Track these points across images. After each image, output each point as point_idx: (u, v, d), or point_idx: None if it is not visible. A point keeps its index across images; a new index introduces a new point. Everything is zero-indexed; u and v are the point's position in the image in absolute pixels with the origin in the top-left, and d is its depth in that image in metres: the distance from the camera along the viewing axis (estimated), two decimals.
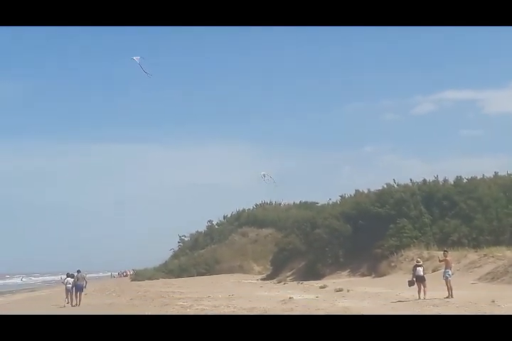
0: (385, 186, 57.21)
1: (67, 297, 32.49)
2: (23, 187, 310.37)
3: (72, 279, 33.02)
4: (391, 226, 49.78)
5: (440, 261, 28.46)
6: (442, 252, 29.07)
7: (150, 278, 73.88)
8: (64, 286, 33.43)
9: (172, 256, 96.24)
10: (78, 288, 32.82)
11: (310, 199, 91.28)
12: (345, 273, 52.90)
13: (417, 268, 27.16)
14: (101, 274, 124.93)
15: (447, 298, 25.20)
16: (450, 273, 26.90)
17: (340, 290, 32.74)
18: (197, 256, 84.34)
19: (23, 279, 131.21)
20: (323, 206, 73.27)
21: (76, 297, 32.57)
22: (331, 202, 70.06)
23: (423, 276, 26.76)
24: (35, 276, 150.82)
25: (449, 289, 25.93)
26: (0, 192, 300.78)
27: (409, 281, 27.23)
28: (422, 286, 26.31)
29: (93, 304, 31.48)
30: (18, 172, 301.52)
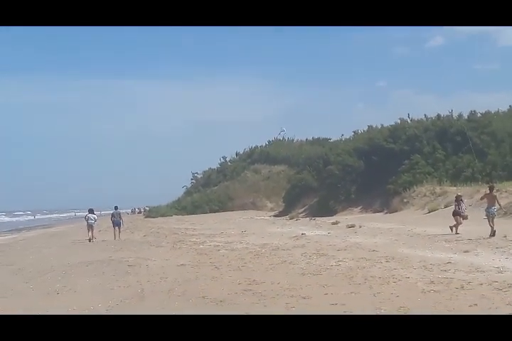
0: (399, 121, 56.79)
1: (89, 231, 33.18)
2: (35, 120, 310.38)
3: (94, 215, 33.95)
4: (404, 162, 49.61)
5: (482, 198, 26.58)
6: (488, 186, 26.80)
7: (163, 215, 74.42)
8: (86, 222, 34.31)
9: (185, 192, 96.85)
10: (116, 223, 34.17)
11: (323, 135, 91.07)
12: (357, 209, 53.11)
13: (456, 202, 26.75)
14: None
15: (491, 236, 22.77)
16: (495, 209, 24.33)
17: (352, 226, 32.87)
18: (210, 192, 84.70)
19: (36, 216, 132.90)
20: (335, 142, 73.06)
21: (115, 232, 33.76)
22: (343, 139, 69.96)
23: (457, 211, 26.18)
24: (46, 213, 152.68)
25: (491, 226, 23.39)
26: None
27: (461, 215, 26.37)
28: (456, 221, 25.73)
29: (108, 240, 31.83)
30: (33, 105, 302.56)
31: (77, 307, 12.31)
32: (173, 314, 7.48)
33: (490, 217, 23.72)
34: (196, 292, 13.53)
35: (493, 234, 22.86)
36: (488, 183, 41.06)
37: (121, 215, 36.04)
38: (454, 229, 25.38)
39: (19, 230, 65.06)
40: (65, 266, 20.38)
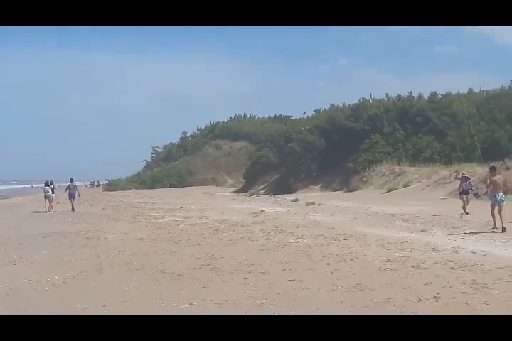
0: (361, 101, 57.03)
1: (45, 203, 34.02)
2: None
3: (49, 187, 34.08)
4: (365, 141, 49.92)
5: (488, 185, 19.80)
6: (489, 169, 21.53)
7: (123, 189, 74.01)
8: (43, 194, 34.60)
9: (145, 167, 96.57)
10: (72, 195, 35.11)
11: (286, 113, 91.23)
12: (317, 187, 53.38)
13: (461, 181, 25.37)
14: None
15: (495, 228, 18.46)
16: (502, 196, 19.05)
17: (312, 204, 33.02)
18: (170, 167, 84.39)
19: None
20: (297, 120, 73.17)
21: (72, 204, 34.52)
22: (305, 117, 70.14)
23: (464, 189, 24.74)
24: (16, 184, 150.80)
25: (498, 218, 18.61)
26: None
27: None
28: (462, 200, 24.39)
29: (66, 212, 31.59)
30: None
31: (33, 279, 12.22)
32: (172, 314, 7.46)
33: (496, 205, 18.75)
34: (154, 266, 13.49)
35: (503, 230, 18.00)
36: (446, 164, 41.73)
37: (77, 188, 36.90)
38: (465, 209, 23.75)
39: None
40: (22, 237, 20.18)
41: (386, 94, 57.35)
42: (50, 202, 34.08)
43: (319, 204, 32.40)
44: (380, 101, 56.35)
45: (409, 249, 15.18)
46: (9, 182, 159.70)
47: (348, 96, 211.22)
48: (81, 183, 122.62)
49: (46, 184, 35.23)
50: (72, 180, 36.54)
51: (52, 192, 34.71)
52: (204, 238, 18.67)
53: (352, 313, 8.56)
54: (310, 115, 68.38)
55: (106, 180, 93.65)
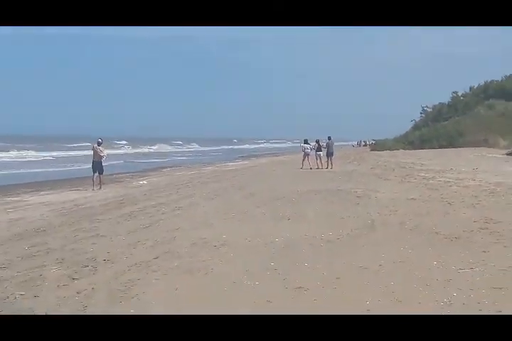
0: None
1: (304, 160, 35.51)
2: None
3: (308, 145, 35.30)
4: None
5: None
6: None
7: (390, 149, 73.45)
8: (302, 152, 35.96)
9: (413, 127, 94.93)
10: (329, 153, 36.16)
11: None
12: None
13: None
14: (340, 143, 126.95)
15: None
16: None
17: None
18: (439, 127, 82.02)
19: (263, 145, 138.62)
20: None
21: (328, 162, 35.76)
22: None
23: None
24: (275, 142, 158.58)
25: None
26: None
27: None
28: None
29: (334, 171, 32.05)
30: None
31: (308, 234, 12.41)
32: (171, 314, 7.14)
33: None
34: (429, 227, 13.03)
35: None
36: None
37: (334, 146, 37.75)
38: None
39: (248, 157, 68.14)
40: (294, 193, 20.74)
41: None
42: (310, 159, 35.22)
43: None
44: None
45: None
46: (292, 140, 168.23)
47: None
48: (346, 143, 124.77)
49: (305, 142, 36.31)
50: (329, 138, 37.22)
51: (318, 150, 35.75)
52: (479, 201, 17.69)
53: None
54: None
55: (373, 140, 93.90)
